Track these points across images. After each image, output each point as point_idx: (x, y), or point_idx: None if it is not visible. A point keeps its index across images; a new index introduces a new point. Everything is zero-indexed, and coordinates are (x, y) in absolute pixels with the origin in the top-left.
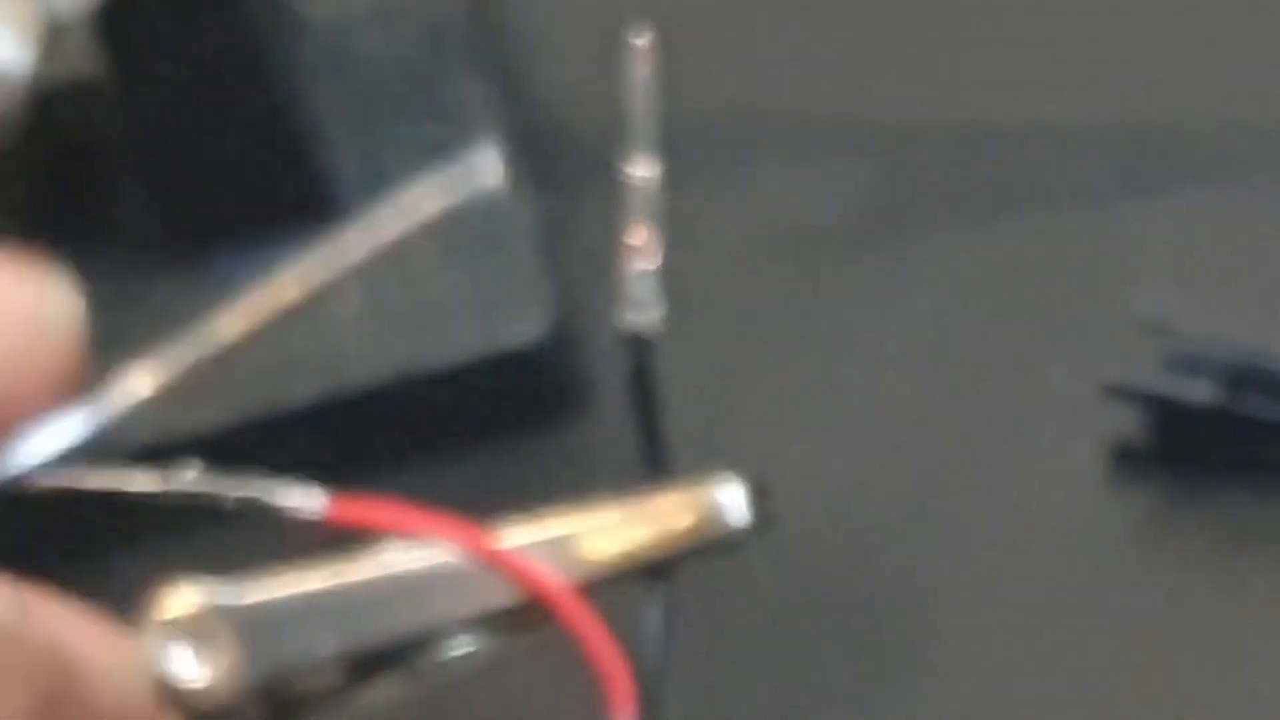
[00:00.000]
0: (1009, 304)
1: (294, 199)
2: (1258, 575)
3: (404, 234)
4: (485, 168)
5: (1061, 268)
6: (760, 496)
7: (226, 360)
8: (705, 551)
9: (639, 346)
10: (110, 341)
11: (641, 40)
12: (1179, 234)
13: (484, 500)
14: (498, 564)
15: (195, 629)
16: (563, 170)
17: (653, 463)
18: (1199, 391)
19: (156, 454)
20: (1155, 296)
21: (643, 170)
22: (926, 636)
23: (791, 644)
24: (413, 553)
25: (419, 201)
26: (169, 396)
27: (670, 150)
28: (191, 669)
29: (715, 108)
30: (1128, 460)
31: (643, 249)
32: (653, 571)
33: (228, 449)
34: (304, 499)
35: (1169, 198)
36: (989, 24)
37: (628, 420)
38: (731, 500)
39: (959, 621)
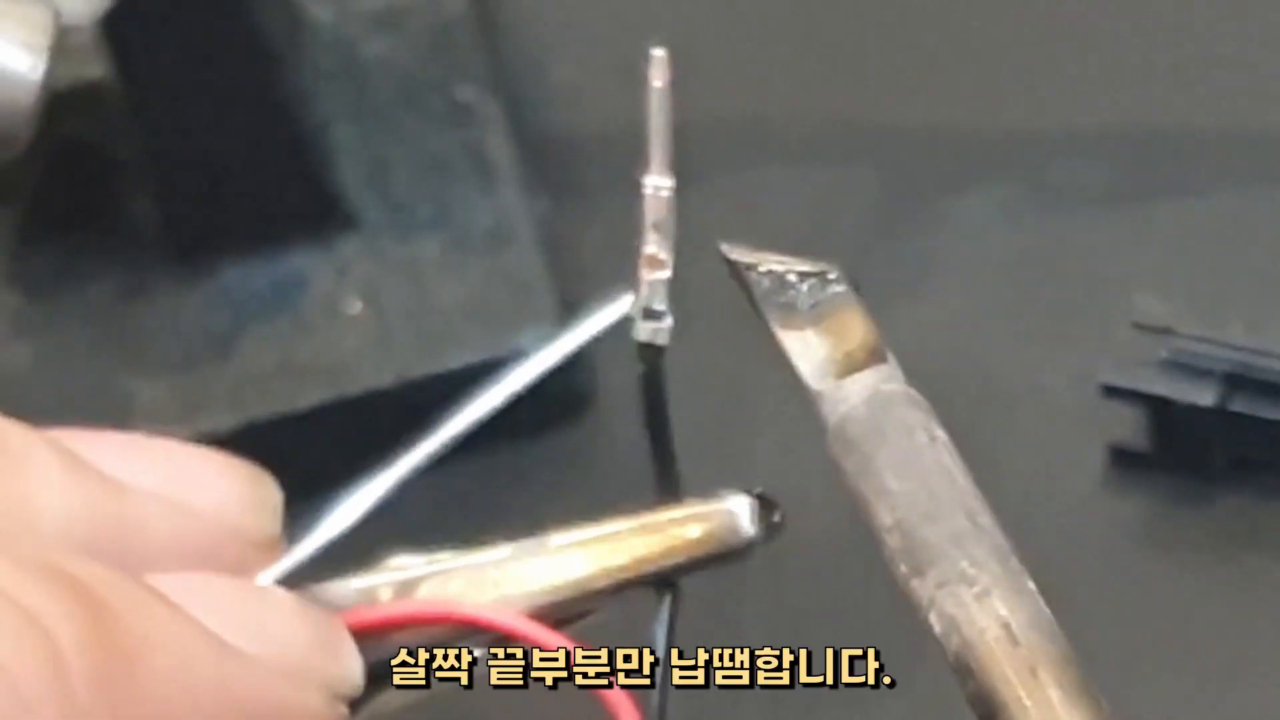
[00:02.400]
0: (1009, 305)
1: (298, 203)
2: (1257, 575)
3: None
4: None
5: (1062, 269)
6: (767, 508)
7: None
8: (711, 563)
9: (649, 355)
10: (114, 344)
11: (659, 52)
12: (1178, 235)
13: (489, 503)
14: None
15: None
16: (567, 174)
17: (661, 473)
18: (1199, 391)
19: None
20: (1155, 297)
21: (657, 178)
22: (928, 638)
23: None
24: (418, 562)
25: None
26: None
27: (680, 158)
28: None
29: (723, 117)
30: (1127, 460)
31: (655, 257)
32: (659, 582)
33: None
34: None
35: (1169, 200)
36: (991, 34)
37: (633, 424)
38: (739, 511)
39: None
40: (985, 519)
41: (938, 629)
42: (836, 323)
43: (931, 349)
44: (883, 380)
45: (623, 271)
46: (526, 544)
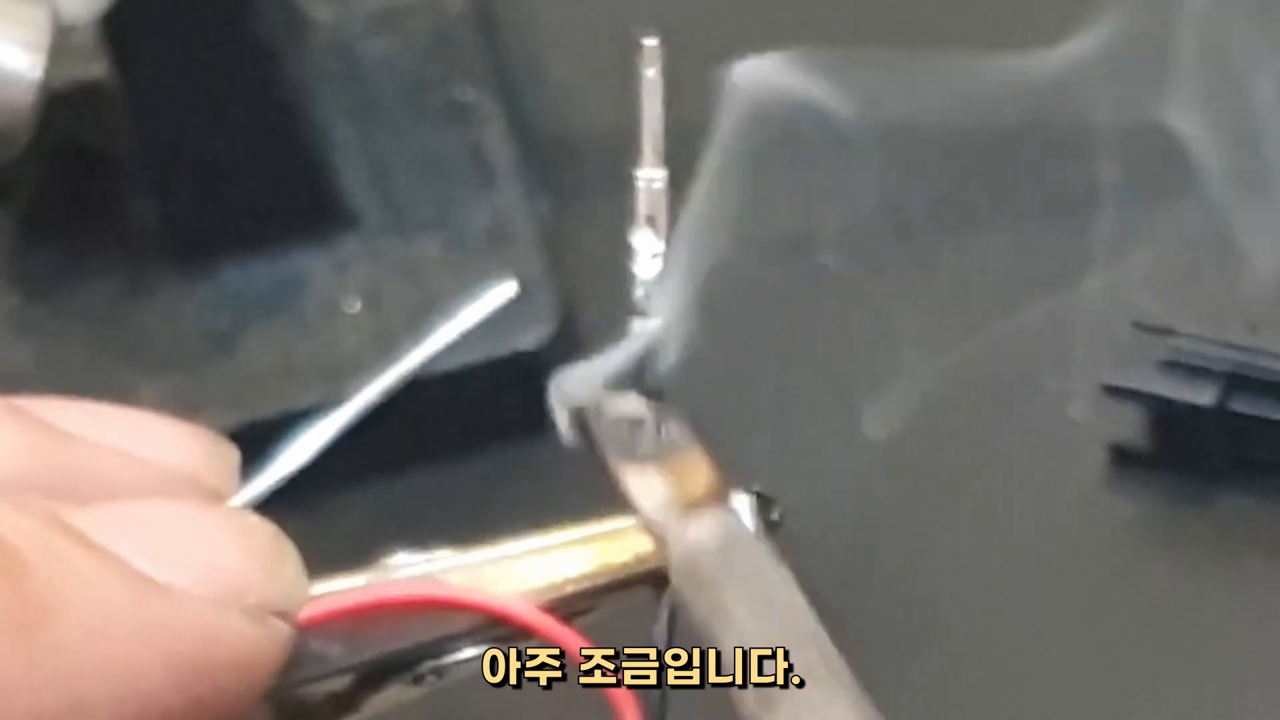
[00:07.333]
0: (1009, 305)
1: (299, 203)
2: (1256, 575)
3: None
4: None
5: (1061, 269)
6: (765, 506)
7: None
8: None
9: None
10: (115, 344)
11: (650, 41)
12: (1178, 235)
13: (489, 502)
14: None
15: None
16: (567, 173)
17: None
18: (1199, 391)
19: None
20: (1155, 298)
21: (650, 173)
22: (928, 638)
23: None
24: (418, 560)
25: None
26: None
27: (672, 153)
28: None
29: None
30: (1127, 460)
31: (649, 252)
32: (658, 580)
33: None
34: None
35: (1169, 199)
36: (991, 33)
37: None
38: (737, 509)
39: (960, 622)
40: (831, 650)
41: None
42: (678, 464)
43: (931, 349)
44: (728, 520)
45: (623, 271)
46: (526, 541)
